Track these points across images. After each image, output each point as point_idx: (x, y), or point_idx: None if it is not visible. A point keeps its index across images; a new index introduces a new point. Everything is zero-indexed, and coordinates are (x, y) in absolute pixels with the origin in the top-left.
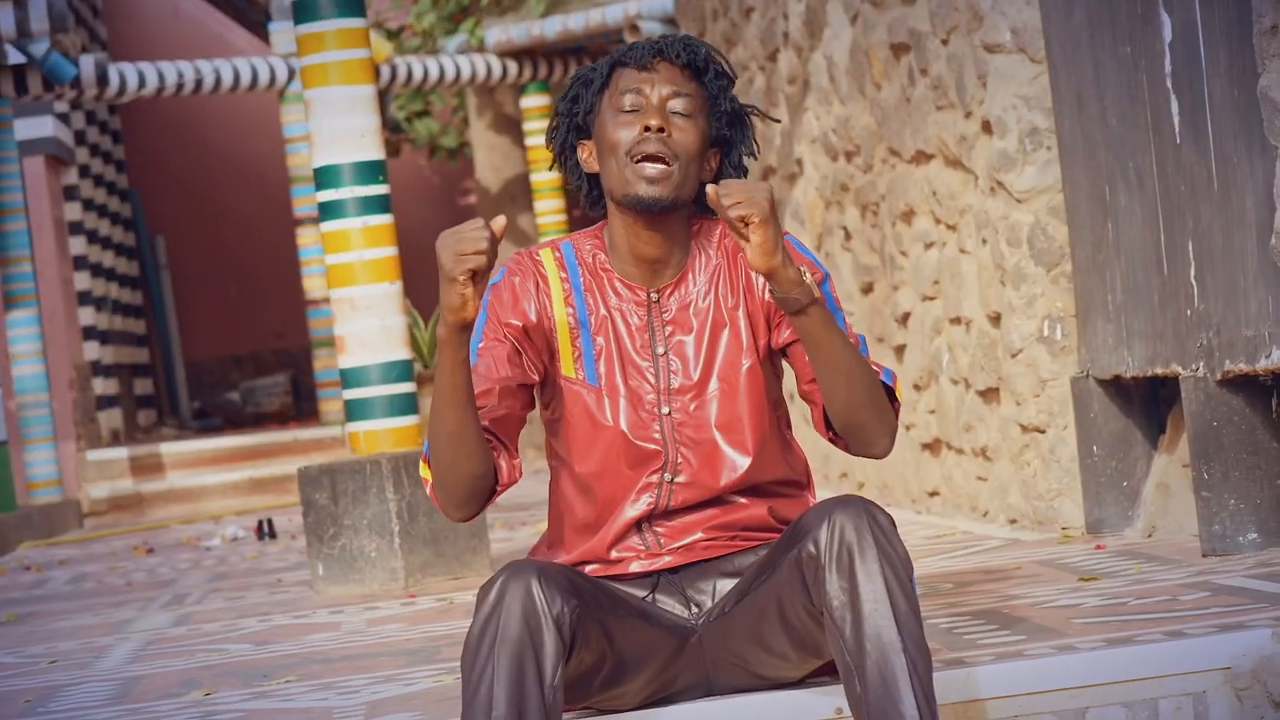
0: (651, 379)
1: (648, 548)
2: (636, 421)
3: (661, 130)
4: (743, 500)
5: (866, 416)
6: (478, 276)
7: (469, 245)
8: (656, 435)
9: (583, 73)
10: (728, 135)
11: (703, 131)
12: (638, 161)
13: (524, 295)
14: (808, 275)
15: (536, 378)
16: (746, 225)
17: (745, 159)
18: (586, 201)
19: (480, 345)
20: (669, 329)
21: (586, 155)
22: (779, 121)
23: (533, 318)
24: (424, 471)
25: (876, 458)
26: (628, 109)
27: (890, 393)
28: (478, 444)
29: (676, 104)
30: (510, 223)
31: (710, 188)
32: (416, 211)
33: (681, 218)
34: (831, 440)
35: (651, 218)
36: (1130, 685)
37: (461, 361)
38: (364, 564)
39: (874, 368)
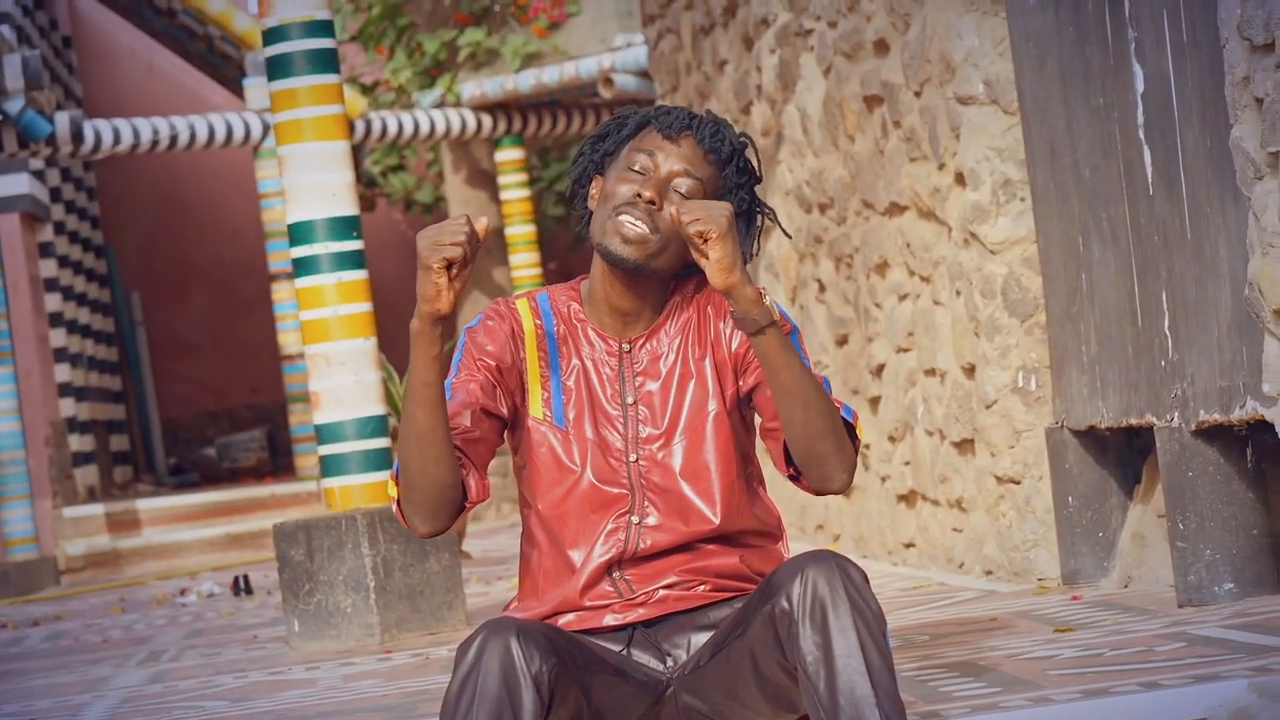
0: (620, 428)
1: (620, 595)
2: (604, 467)
3: (653, 203)
4: (712, 547)
5: (825, 447)
6: (453, 269)
7: (447, 236)
8: (624, 480)
9: (621, 113)
10: None
11: None
12: (620, 215)
13: (499, 337)
14: (767, 296)
15: (506, 412)
16: (705, 242)
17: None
18: (587, 233)
19: (454, 380)
20: (639, 379)
21: (595, 191)
22: (789, 237)
23: (506, 359)
24: (390, 489)
25: (835, 493)
26: (636, 169)
27: (851, 430)
28: (446, 449)
29: (681, 183)
30: (485, 276)
31: (672, 208)
32: (391, 266)
33: (659, 279)
34: (792, 478)
35: (624, 273)
36: None
37: (433, 358)
38: (340, 620)
39: (835, 403)
